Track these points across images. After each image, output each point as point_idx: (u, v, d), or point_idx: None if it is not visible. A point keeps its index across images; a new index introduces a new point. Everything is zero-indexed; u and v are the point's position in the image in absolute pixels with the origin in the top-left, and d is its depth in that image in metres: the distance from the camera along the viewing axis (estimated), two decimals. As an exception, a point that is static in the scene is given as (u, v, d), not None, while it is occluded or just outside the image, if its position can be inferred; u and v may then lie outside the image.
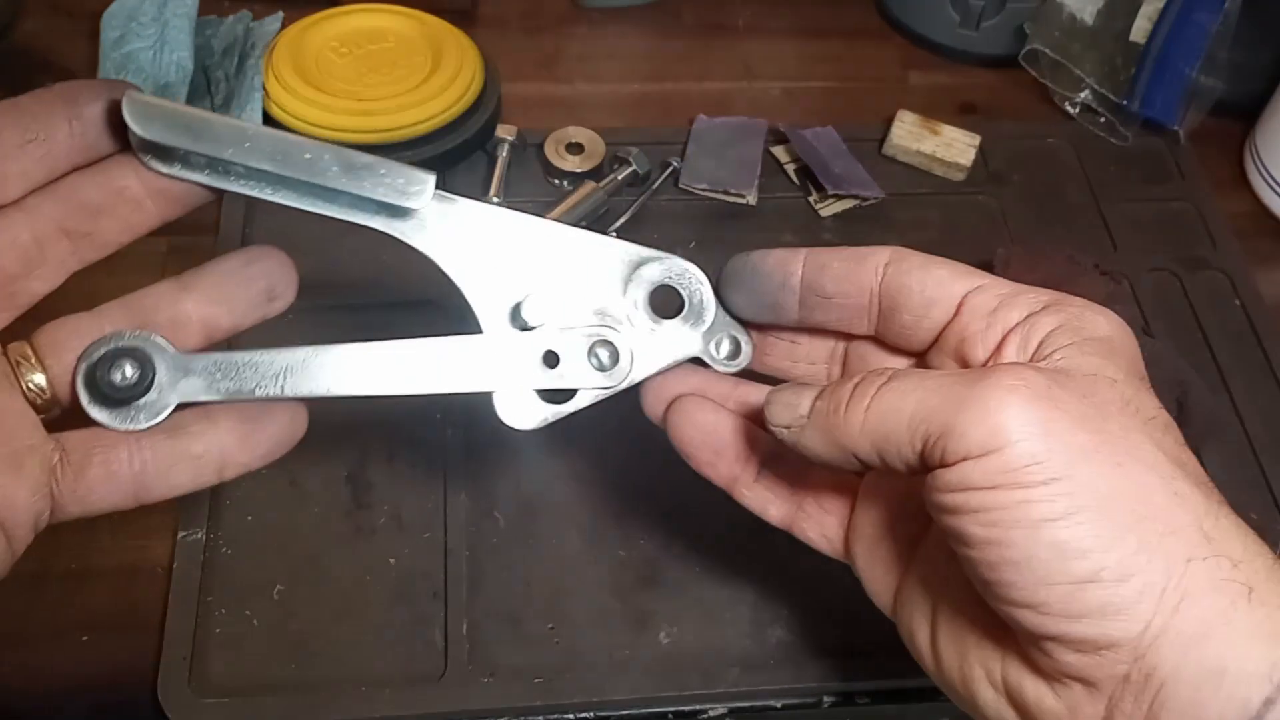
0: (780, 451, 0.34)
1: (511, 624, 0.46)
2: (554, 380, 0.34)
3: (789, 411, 0.30)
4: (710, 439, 0.35)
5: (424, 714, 0.43)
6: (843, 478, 0.34)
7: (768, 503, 0.35)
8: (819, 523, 0.35)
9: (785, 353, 0.36)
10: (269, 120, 0.58)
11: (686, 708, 0.44)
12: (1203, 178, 0.66)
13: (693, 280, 0.35)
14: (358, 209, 0.32)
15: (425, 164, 0.57)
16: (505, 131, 0.60)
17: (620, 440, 0.51)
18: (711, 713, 0.44)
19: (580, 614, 0.46)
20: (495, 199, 0.57)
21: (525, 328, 0.33)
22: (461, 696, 0.43)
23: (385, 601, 0.46)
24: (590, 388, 0.34)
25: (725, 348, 0.35)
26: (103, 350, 0.30)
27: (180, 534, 0.46)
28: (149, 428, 0.30)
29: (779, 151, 0.64)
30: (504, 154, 0.60)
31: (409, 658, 0.44)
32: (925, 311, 0.31)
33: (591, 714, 0.44)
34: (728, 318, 0.35)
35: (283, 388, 0.31)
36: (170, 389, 0.30)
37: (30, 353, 0.30)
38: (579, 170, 0.59)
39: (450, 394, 0.32)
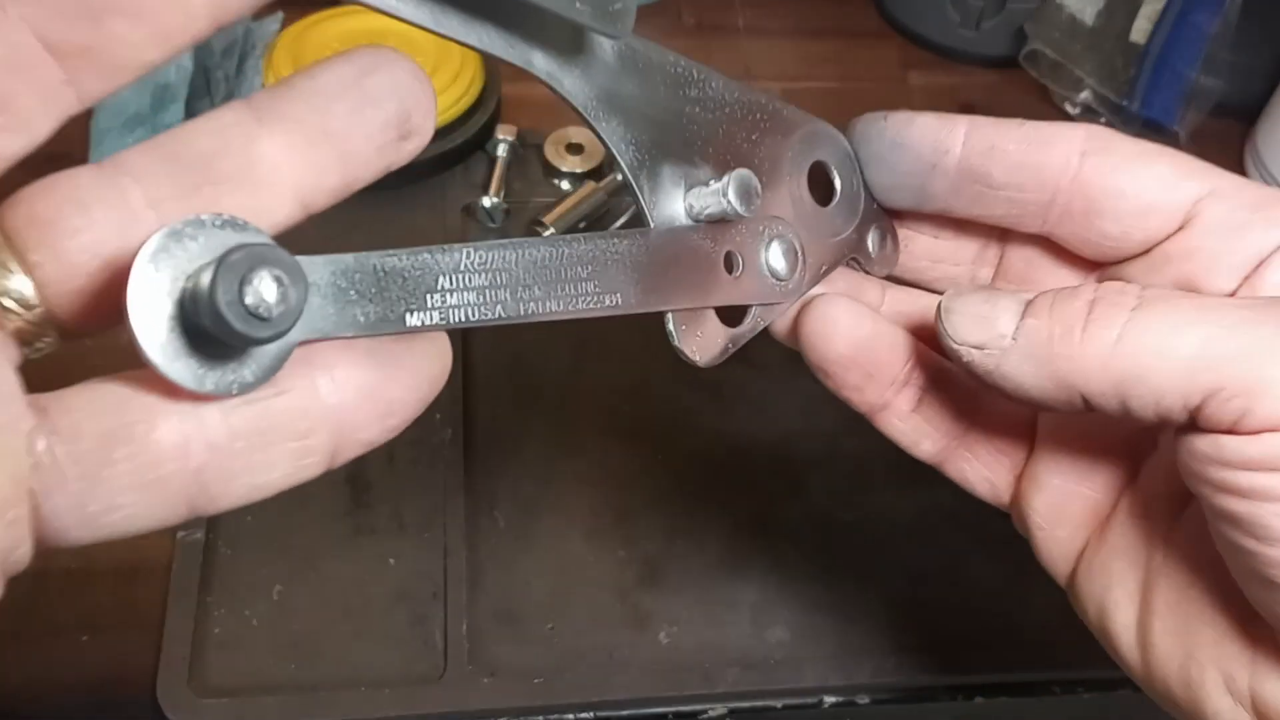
0: (949, 374, 0.27)
1: (511, 624, 0.46)
2: (732, 293, 0.25)
3: (982, 327, 0.23)
4: (864, 356, 0.26)
5: (424, 714, 0.43)
6: (1019, 409, 0.27)
7: (922, 436, 0.28)
8: (986, 465, 0.28)
9: (925, 249, 0.29)
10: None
11: (686, 708, 0.44)
12: (1203, 178, 0.65)
13: (847, 159, 0.27)
14: (510, 32, 0.22)
15: (425, 164, 0.58)
16: (505, 131, 0.60)
17: (620, 439, 0.51)
18: (711, 713, 0.44)
19: (580, 614, 0.46)
20: (496, 198, 0.57)
21: (699, 219, 0.25)
22: (461, 696, 0.43)
23: (385, 601, 0.46)
24: (765, 302, 0.26)
25: (874, 243, 0.28)
26: (222, 250, 0.16)
27: (180, 534, 0.46)
28: (254, 388, 0.18)
29: (779, 152, 0.64)
30: (504, 154, 0.60)
31: (409, 658, 0.44)
32: (1138, 221, 0.24)
33: (591, 714, 0.44)
34: (874, 206, 0.28)
35: (444, 312, 0.20)
36: (296, 315, 0.17)
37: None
38: (579, 170, 0.59)
39: (643, 312, 0.24)
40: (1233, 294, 0.24)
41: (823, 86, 0.70)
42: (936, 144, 0.26)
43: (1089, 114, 0.67)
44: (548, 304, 0.21)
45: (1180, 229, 0.24)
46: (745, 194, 0.24)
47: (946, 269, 0.29)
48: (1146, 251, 0.25)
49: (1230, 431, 0.20)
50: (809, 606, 0.47)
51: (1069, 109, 0.68)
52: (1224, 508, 0.21)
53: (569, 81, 0.23)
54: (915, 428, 0.28)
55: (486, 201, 0.57)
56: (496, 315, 0.21)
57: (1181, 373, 0.20)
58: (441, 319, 0.19)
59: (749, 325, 0.26)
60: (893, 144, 0.26)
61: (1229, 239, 0.23)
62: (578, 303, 0.22)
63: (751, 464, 0.50)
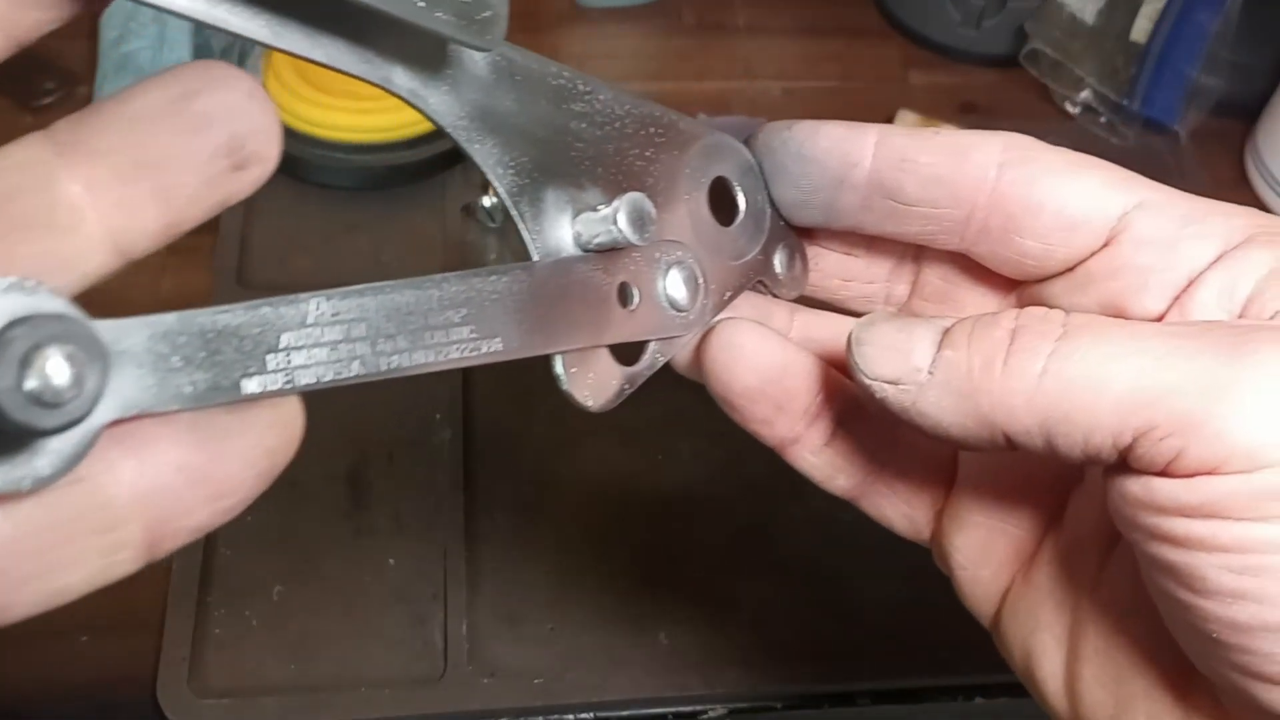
0: (864, 405, 0.24)
1: (511, 624, 0.45)
2: (627, 328, 0.23)
3: (896, 360, 0.21)
4: (773, 387, 0.24)
5: (424, 714, 0.43)
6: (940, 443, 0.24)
7: (836, 471, 0.26)
8: (905, 501, 0.26)
9: (836, 268, 0.26)
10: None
11: (686, 708, 0.44)
12: (1203, 178, 0.65)
13: (751, 173, 0.25)
14: (363, 47, 0.19)
15: (425, 164, 0.58)
16: (505, 131, 0.60)
17: (620, 439, 0.51)
18: (711, 713, 0.44)
19: (580, 614, 0.46)
20: (495, 198, 0.57)
21: (588, 248, 0.23)
22: (461, 697, 0.43)
23: (384, 602, 0.46)
24: (664, 336, 0.24)
25: (781, 263, 0.26)
26: (1, 323, 0.14)
27: (180, 534, 0.46)
28: (51, 481, 0.15)
29: (779, 151, 0.64)
30: (504, 154, 0.59)
31: (408, 658, 0.44)
32: (1060, 237, 0.22)
33: (591, 714, 0.44)
34: (780, 223, 0.26)
35: (289, 374, 0.17)
36: (94, 398, 0.14)
37: None
38: (579, 170, 0.59)
39: (520, 359, 0.22)
40: (1163, 315, 0.22)
41: (823, 86, 0.70)
42: (844, 156, 0.23)
43: (1089, 113, 0.67)
44: (414, 355, 0.19)
45: (1106, 245, 0.22)
46: (637, 220, 0.22)
47: (860, 287, 0.27)
48: (1070, 269, 0.23)
49: (1163, 474, 0.18)
50: (808, 606, 0.47)
51: (1069, 108, 0.68)
52: (1157, 556, 0.19)
53: (435, 99, 0.20)
54: (828, 462, 0.26)
55: (486, 201, 0.57)
56: (353, 373, 0.18)
57: (1110, 409, 0.19)
58: (286, 382, 0.17)
59: (647, 362, 0.24)
60: (798, 156, 0.24)
61: (1158, 256, 0.21)
62: (450, 352, 0.20)
63: (752, 464, 0.50)
